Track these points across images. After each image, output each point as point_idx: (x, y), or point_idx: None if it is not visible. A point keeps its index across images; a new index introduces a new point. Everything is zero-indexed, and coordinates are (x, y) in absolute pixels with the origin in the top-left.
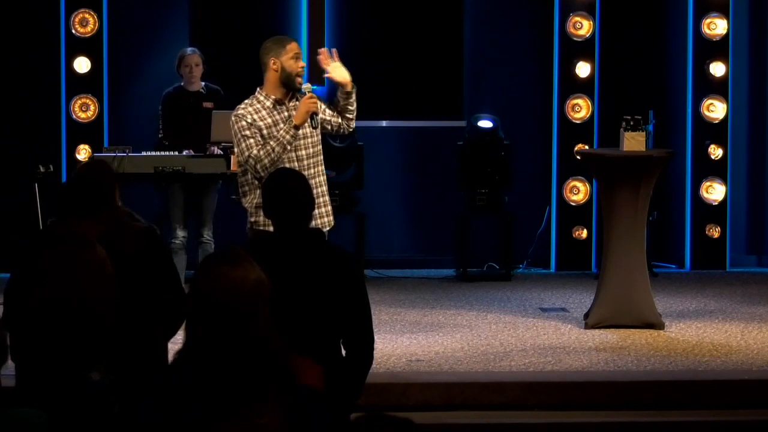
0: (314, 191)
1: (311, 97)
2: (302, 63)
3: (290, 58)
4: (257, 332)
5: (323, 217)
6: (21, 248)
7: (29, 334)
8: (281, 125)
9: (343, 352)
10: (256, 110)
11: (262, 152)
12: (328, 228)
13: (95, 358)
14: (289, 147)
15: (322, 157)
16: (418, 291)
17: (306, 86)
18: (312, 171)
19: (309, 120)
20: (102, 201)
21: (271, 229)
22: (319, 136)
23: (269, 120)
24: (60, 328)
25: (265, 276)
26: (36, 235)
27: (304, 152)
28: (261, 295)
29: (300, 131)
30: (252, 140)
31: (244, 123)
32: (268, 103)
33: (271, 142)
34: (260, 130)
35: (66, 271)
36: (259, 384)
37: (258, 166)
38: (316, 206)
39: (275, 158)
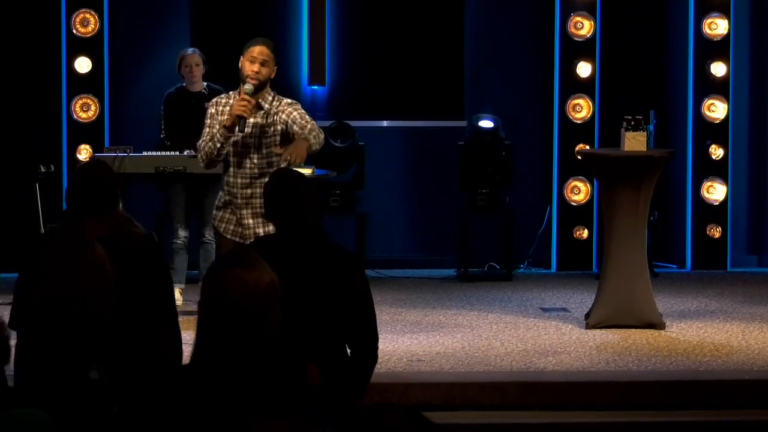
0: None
1: (242, 99)
2: (255, 67)
3: (246, 59)
4: (269, 334)
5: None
6: (27, 247)
7: (28, 333)
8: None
9: (348, 351)
10: (226, 103)
11: (201, 143)
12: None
13: (94, 356)
14: (218, 144)
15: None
16: (418, 291)
17: (246, 88)
18: (257, 190)
19: (238, 122)
20: (111, 200)
21: (229, 226)
22: (272, 150)
23: (227, 116)
24: (58, 326)
25: (277, 278)
26: (42, 235)
27: (248, 162)
28: (274, 297)
29: (242, 139)
30: (207, 129)
31: (209, 112)
32: (235, 100)
33: (207, 137)
34: (217, 122)
35: (64, 270)
36: (271, 388)
37: (198, 157)
38: (254, 216)
39: (208, 152)
